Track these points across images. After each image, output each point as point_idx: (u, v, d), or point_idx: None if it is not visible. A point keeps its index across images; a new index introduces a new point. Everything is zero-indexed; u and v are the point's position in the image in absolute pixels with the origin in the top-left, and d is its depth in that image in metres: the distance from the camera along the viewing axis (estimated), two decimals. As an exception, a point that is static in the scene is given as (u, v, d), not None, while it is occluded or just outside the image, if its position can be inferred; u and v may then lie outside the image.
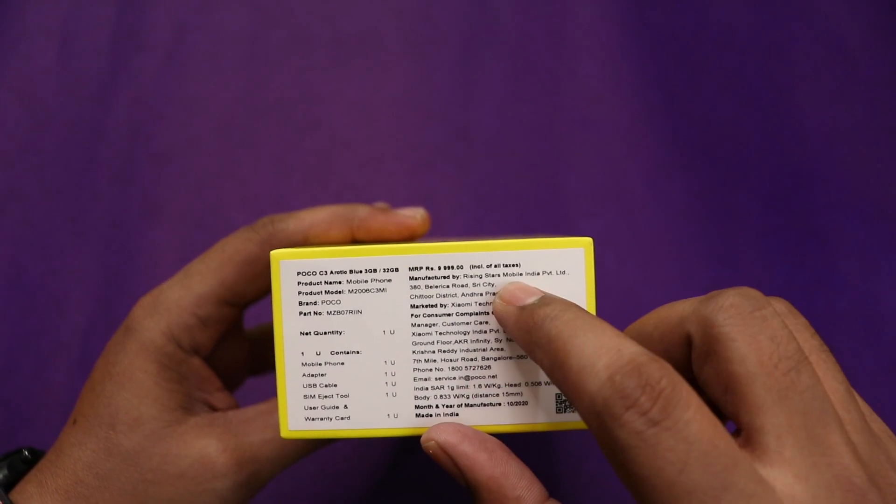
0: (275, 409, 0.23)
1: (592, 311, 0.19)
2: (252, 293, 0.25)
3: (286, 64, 0.41)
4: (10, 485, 0.24)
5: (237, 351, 0.28)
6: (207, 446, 0.23)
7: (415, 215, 0.26)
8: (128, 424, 0.23)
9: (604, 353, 0.16)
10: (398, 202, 0.39)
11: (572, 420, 0.19)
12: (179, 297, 0.24)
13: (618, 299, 0.37)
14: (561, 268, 0.19)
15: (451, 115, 0.40)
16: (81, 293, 0.37)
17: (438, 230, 0.38)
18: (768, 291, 0.39)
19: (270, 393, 0.27)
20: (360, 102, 0.41)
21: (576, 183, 0.39)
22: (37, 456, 0.25)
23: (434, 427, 0.19)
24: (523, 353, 0.19)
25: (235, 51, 0.41)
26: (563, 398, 0.19)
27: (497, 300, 0.19)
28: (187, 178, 0.39)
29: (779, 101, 0.41)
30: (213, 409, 0.25)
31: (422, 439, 0.19)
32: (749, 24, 0.42)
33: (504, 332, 0.19)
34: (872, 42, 0.42)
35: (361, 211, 0.25)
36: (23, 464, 0.25)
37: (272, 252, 0.19)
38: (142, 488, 0.22)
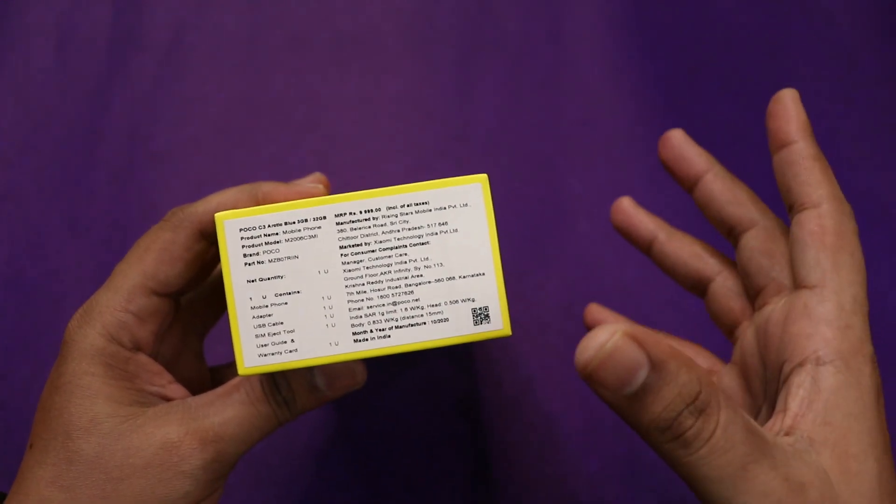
0: (233, 391, 0.24)
1: (494, 235, 0.21)
2: (176, 279, 0.25)
3: (285, 64, 0.41)
4: None
5: (186, 351, 0.28)
6: (168, 433, 0.23)
7: (317, 185, 0.27)
8: (84, 428, 0.22)
9: None
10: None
11: (487, 330, 0.21)
12: (108, 299, 0.24)
13: (618, 299, 0.37)
14: (463, 201, 0.21)
15: (451, 115, 0.40)
16: (80, 294, 0.37)
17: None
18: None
19: None
20: (359, 102, 0.40)
21: (576, 183, 0.39)
22: (3, 499, 0.25)
23: (598, 330, 0.19)
24: (440, 277, 0.22)
25: (234, 51, 0.41)
26: (479, 312, 0.21)
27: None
28: (186, 178, 0.39)
29: (779, 101, 0.41)
30: (169, 400, 0.25)
31: (592, 340, 0.19)
32: (749, 24, 0.42)
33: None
34: (872, 42, 0.42)
35: (266, 186, 0.26)
36: None
37: (216, 214, 0.22)
38: (111, 487, 0.22)
